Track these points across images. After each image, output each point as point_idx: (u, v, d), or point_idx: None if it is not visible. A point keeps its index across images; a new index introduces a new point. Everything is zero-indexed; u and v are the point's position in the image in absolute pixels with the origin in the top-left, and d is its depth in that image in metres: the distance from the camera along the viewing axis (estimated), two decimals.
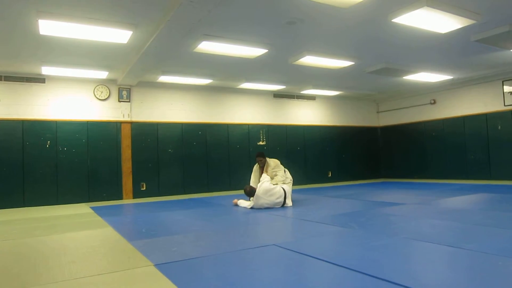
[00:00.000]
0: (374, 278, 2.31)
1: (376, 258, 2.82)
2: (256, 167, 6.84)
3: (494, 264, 2.55)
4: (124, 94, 8.50)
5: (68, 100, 7.97)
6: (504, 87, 9.38)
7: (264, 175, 6.31)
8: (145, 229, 4.45)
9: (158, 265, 2.79)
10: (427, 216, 4.66)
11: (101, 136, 8.23)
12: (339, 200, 6.78)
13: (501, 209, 4.97)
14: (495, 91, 9.57)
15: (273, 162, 6.64)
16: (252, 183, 6.62)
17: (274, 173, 6.47)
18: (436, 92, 10.91)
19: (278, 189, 5.99)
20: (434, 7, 4.81)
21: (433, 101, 11.03)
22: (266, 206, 5.87)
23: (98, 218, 5.54)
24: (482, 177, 9.79)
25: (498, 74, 9.28)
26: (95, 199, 8.04)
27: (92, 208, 6.83)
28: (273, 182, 6.26)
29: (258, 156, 6.74)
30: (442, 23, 5.41)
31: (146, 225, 4.74)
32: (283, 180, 6.38)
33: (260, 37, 6.03)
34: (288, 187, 6.19)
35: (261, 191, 5.86)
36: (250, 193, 5.99)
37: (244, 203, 6.21)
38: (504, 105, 9.39)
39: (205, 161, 9.42)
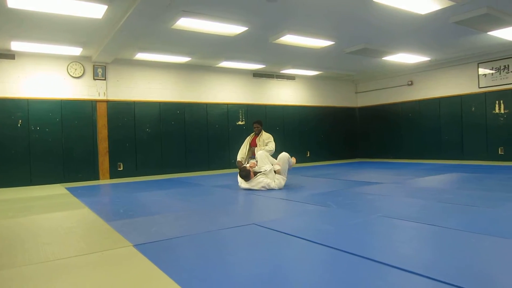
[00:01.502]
0: (352, 255, 2.36)
1: (353, 235, 2.87)
2: (249, 138, 6.79)
3: (467, 240, 2.64)
4: (100, 71, 8.24)
5: (40, 77, 7.68)
6: (479, 69, 9.58)
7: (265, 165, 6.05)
8: (123, 209, 4.40)
9: (137, 246, 2.76)
10: (403, 195, 4.77)
11: (75, 115, 8.00)
12: (317, 179, 6.86)
13: (472, 188, 5.13)
14: (470, 74, 9.76)
15: (266, 135, 6.64)
16: (240, 152, 6.63)
17: (265, 143, 6.49)
18: (414, 74, 11.05)
19: (270, 184, 5.75)
20: None
21: (410, 82, 11.18)
22: None
23: (74, 199, 5.44)
24: (455, 157, 10.08)
25: (474, 56, 9.45)
26: (71, 180, 7.87)
27: (68, 189, 6.70)
28: (262, 149, 6.30)
29: (256, 123, 6.69)
30: (422, 3, 5.43)
31: (124, 205, 4.69)
32: (272, 150, 6.35)
33: (241, 15, 5.91)
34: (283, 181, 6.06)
35: (258, 186, 5.72)
36: (245, 178, 5.80)
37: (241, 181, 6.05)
38: (479, 87, 9.60)
39: (184, 141, 9.33)
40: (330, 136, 12.10)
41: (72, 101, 7.97)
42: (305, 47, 7.73)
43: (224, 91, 10.08)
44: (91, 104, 8.17)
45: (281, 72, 10.73)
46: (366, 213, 3.69)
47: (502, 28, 6.86)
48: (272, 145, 6.44)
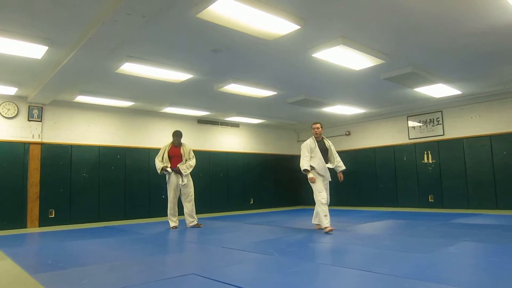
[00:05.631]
0: None
1: (294, 284, 2.86)
2: (166, 147, 7.13)
3: (402, 286, 2.73)
4: (35, 113, 7.85)
5: None
6: (409, 122, 10.40)
7: None
8: (51, 260, 4.06)
9: None
10: (342, 242, 4.87)
11: (4, 157, 7.45)
12: (259, 227, 6.84)
13: (406, 234, 5.38)
14: (401, 126, 10.55)
15: (189, 147, 7.16)
16: (158, 159, 7.02)
17: (190, 156, 7.06)
18: (351, 124, 11.72)
19: None
20: (348, 46, 5.23)
21: (348, 133, 11.81)
22: None
23: None
24: (390, 205, 10.58)
25: (404, 110, 10.27)
26: None
27: None
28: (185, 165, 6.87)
29: (175, 135, 7.09)
30: (356, 60, 5.90)
31: (53, 256, 4.33)
32: (194, 165, 6.98)
33: (186, 63, 6.02)
34: None
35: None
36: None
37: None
38: (409, 138, 10.37)
39: (124, 187, 8.97)
40: (273, 183, 12.25)
41: (2, 142, 7.45)
42: (248, 96, 7.97)
43: (168, 136, 9.90)
44: (24, 146, 7.68)
45: (225, 119, 10.89)
46: (307, 260, 3.72)
47: (426, 86, 7.57)
48: (194, 161, 7.02)
